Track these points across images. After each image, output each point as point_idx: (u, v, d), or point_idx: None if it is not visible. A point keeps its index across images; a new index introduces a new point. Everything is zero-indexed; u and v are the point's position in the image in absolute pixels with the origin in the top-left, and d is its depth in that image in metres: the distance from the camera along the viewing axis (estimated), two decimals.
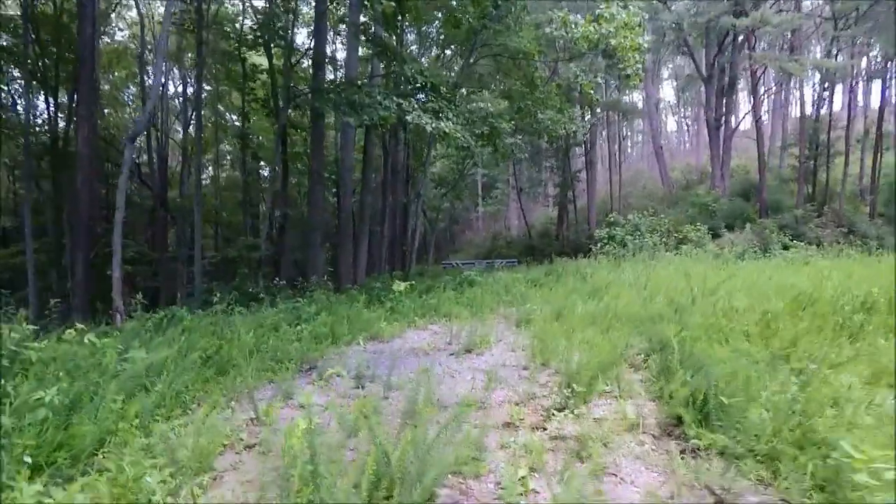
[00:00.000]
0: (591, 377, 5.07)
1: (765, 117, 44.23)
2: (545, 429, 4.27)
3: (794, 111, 39.33)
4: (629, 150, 49.63)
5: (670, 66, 49.30)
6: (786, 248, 17.29)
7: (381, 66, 12.34)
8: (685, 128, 54.70)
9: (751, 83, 20.10)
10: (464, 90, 10.93)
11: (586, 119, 19.05)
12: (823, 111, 20.81)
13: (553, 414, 4.50)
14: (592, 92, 11.99)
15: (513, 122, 11.78)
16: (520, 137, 12.41)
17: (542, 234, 29.60)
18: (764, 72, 22.74)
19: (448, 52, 20.29)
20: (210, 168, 33.37)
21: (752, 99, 19.88)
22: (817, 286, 7.69)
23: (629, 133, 47.90)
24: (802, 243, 17.36)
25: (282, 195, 21.18)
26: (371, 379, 5.65)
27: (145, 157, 30.05)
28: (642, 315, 7.61)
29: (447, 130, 9.44)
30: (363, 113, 8.87)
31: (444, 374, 5.84)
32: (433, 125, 9.30)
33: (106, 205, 28.62)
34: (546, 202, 35.23)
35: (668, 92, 58.74)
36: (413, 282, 11.36)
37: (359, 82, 9.76)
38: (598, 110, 23.26)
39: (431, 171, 27.18)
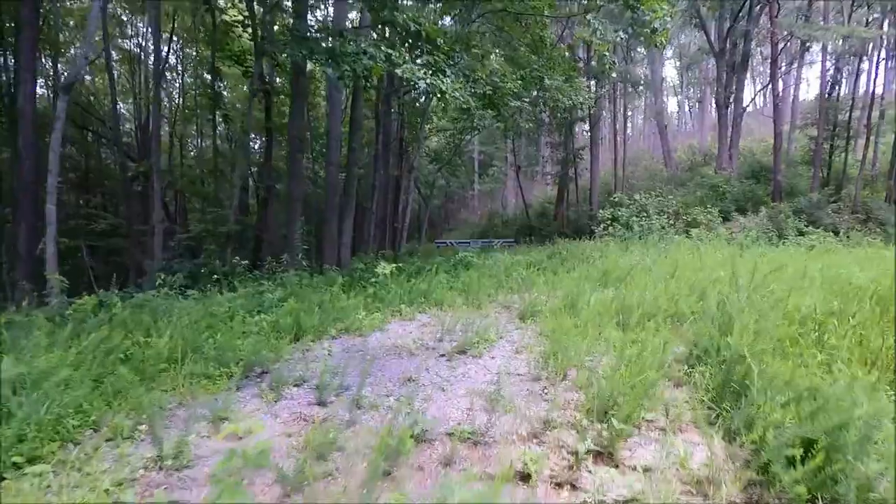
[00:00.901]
0: (626, 398, 3.76)
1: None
2: (574, 486, 2.95)
3: (803, 93, 37.81)
4: (629, 130, 47.93)
5: (674, 44, 47.42)
6: (801, 233, 16.03)
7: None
8: (687, 109, 53.03)
9: (771, 55, 18.55)
10: (464, 52, 9.37)
11: (593, 91, 17.51)
12: (843, 90, 19.39)
13: (582, 458, 3.18)
14: (608, 55, 10.48)
15: (519, 81, 10.28)
16: (526, 100, 10.86)
17: (540, 214, 28.19)
18: (787, 43, 21.16)
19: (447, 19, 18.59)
20: (198, 139, 31.59)
21: (770, 72, 18.35)
22: (880, 282, 6.37)
23: (631, 111, 46.14)
24: (818, 230, 16.09)
25: (267, 166, 19.63)
26: (338, 391, 4.31)
27: (129, 126, 28.31)
28: (674, 310, 6.30)
29: (444, 88, 7.97)
30: (344, 62, 7.37)
31: (431, 386, 4.52)
32: (427, 81, 7.81)
33: (85, 175, 26.92)
34: (545, 181, 33.74)
35: (669, 72, 56.87)
36: (401, 263, 10.01)
37: (342, 31, 8.22)
38: (607, 82, 21.65)
39: (427, 146, 25.61)
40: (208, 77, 23.98)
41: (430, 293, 8.13)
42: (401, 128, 23.64)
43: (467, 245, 22.95)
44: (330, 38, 7.87)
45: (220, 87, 14.29)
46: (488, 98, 9.85)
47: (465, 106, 8.73)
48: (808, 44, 30.35)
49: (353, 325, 6.43)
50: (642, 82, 24.69)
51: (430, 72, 8.06)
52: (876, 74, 19.20)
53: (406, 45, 8.56)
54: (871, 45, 19.13)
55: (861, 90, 19.93)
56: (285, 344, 5.51)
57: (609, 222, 18.04)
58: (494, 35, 11.55)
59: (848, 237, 15.28)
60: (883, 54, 19.53)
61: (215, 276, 8.13)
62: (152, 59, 14.84)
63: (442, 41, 8.73)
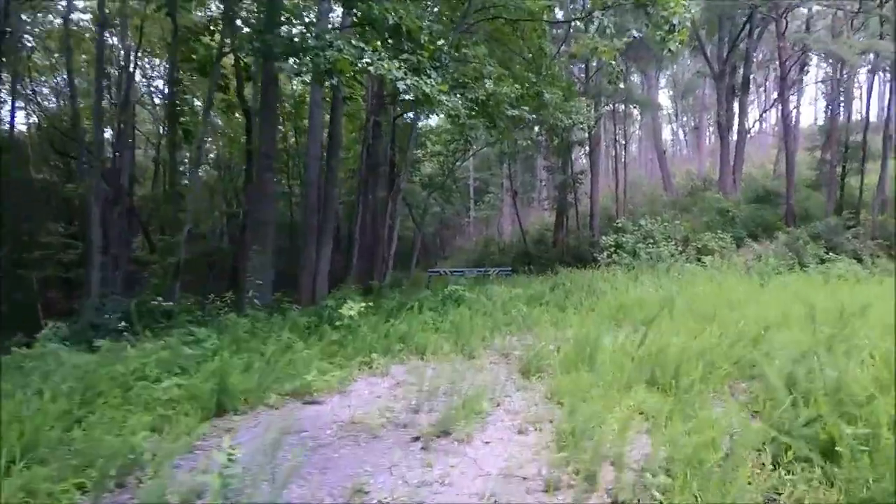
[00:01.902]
0: None
1: (774, 120, 41.79)
2: None
3: (807, 115, 36.87)
4: (624, 156, 46.97)
5: (668, 72, 46.88)
6: (822, 261, 14.52)
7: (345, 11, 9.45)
8: (682, 136, 52.23)
9: (780, 73, 17.43)
10: (452, 53, 7.99)
11: (593, 111, 16.24)
12: (852, 111, 18.23)
13: None
14: (614, 63, 9.15)
15: (516, 86, 8.87)
16: (525, 109, 9.45)
17: (538, 241, 26.70)
18: (798, 59, 20.05)
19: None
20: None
21: (779, 90, 17.19)
22: None
23: (628, 137, 45.14)
24: (840, 256, 14.60)
25: (250, 190, 18.16)
26: None
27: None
28: (730, 362, 4.74)
29: (427, 91, 6.53)
30: (306, 56, 5.96)
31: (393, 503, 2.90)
32: (408, 82, 6.38)
33: (66, 203, 25.40)
34: (542, 207, 32.37)
35: (663, 100, 56.31)
36: (382, 298, 8.43)
37: (308, 24, 6.85)
38: (609, 99, 20.35)
39: (419, 171, 24.29)
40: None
41: (411, 337, 6.53)
42: (391, 150, 22.37)
43: (462, 274, 21.35)
44: (292, 31, 6.48)
45: (179, 96, 12.96)
46: (481, 105, 8.46)
47: (453, 113, 7.31)
48: (806, 67, 29.49)
49: (304, 387, 4.81)
50: (648, 101, 23.45)
51: (411, 72, 6.65)
52: (891, 94, 18.00)
53: (384, 42, 7.18)
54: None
55: (874, 109, 18.79)
56: (196, 423, 3.88)
57: (613, 249, 16.55)
58: (488, 45, 10.21)
59: (875, 265, 13.80)
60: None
61: (163, 313, 6.60)
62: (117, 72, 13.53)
63: (426, 39, 7.35)
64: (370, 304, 7.28)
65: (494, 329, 7.29)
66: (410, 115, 12.77)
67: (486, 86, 8.04)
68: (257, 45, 6.48)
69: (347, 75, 7.26)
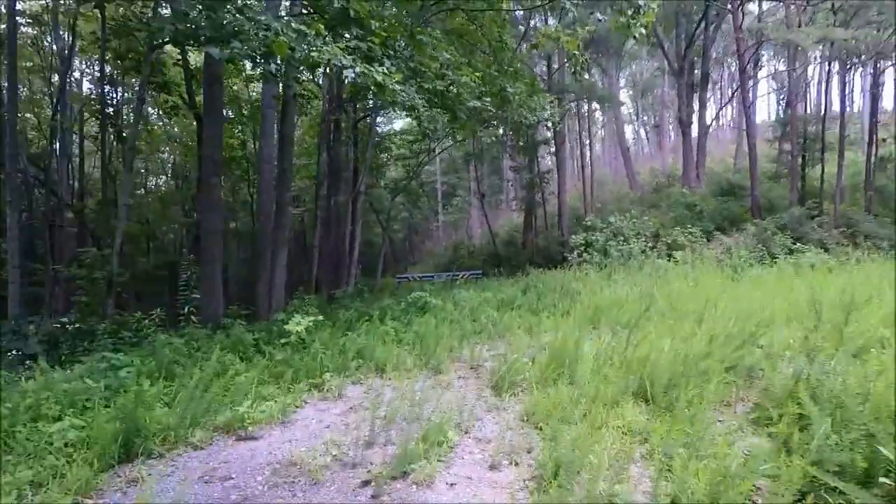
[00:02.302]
0: None
1: (730, 116, 42.51)
2: None
3: (760, 110, 37.51)
4: (589, 154, 47.12)
5: (627, 72, 47.36)
6: (790, 252, 14.42)
7: None
8: (644, 134, 52.87)
9: (739, 64, 17.36)
10: (406, 41, 7.31)
11: (555, 108, 15.81)
12: (809, 103, 18.38)
13: None
14: (577, 53, 8.64)
15: (477, 75, 8.27)
16: (488, 102, 8.88)
17: (507, 243, 26.25)
18: (756, 50, 20.11)
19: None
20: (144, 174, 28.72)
21: (739, 81, 17.10)
22: None
23: (592, 134, 45.27)
24: (807, 246, 14.53)
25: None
26: None
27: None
28: (726, 367, 4.20)
29: (379, 80, 5.85)
30: (235, 39, 5.21)
31: None
32: (357, 69, 5.68)
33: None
34: (510, 208, 31.99)
35: (623, 99, 56.94)
36: (331, 312, 7.66)
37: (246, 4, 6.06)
38: (572, 97, 20.01)
39: (385, 177, 23.51)
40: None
41: (370, 351, 5.81)
42: (354, 155, 21.57)
43: (431, 279, 20.71)
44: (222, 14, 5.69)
45: (114, 99, 11.89)
46: (440, 96, 7.81)
47: (408, 103, 6.63)
48: (759, 63, 29.95)
49: (238, 419, 4.04)
50: (612, 96, 23.22)
51: (360, 59, 5.96)
52: (844, 84, 18.22)
53: (331, 29, 6.47)
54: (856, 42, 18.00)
55: (832, 100, 18.99)
56: (91, 474, 3.09)
57: (583, 248, 16.17)
58: (447, 38, 9.60)
59: (846, 253, 13.76)
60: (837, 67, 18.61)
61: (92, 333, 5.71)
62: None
63: (377, 26, 6.67)
64: (322, 317, 6.52)
65: (463, 338, 6.63)
66: (370, 116, 12.02)
67: (445, 74, 7.42)
68: (180, 27, 5.68)
69: (297, 68, 6.50)
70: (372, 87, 6.18)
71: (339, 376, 5.21)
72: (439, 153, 22.20)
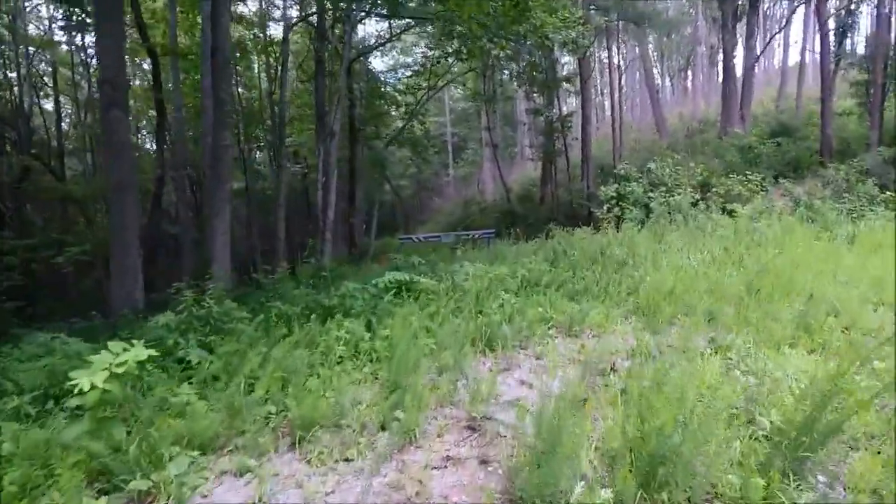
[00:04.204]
0: None
1: (778, 52, 37.72)
2: None
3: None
4: (619, 92, 42.80)
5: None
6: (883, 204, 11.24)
7: None
8: (668, 80, 48.15)
9: None
10: None
11: (583, 27, 12.49)
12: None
13: None
14: None
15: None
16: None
17: (522, 198, 23.31)
18: None
19: None
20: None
21: (783, 11, 13.43)
22: None
23: (623, 66, 40.84)
24: None
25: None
26: None
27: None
28: None
29: None
30: None
31: None
32: None
33: None
34: (526, 159, 28.70)
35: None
36: (264, 302, 4.95)
37: None
38: (604, 15, 16.26)
39: (391, 128, 20.39)
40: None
41: (297, 388, 3.18)
42: (348, 101, 18.50)
43: (438, 239, 18.00)
44: None
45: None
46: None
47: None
48: None
49: None
50: (655, 13, 19.38)
51: None
52: None
53: None
54: None
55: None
56: None
57: (615, 202, 13.20)
58: None
59: None
60: None
61: None
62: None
63: None
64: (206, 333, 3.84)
65: (461, 348, 3.93)
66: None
67: None
68: None
69: None
70: None
71: (243, 432, 2.58)
72: (444, 85, 18.85)
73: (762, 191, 12.35)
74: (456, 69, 16.62)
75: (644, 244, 7.91)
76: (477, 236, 16.87)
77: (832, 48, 15.08)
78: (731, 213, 10.87)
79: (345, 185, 20.52)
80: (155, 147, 19.73)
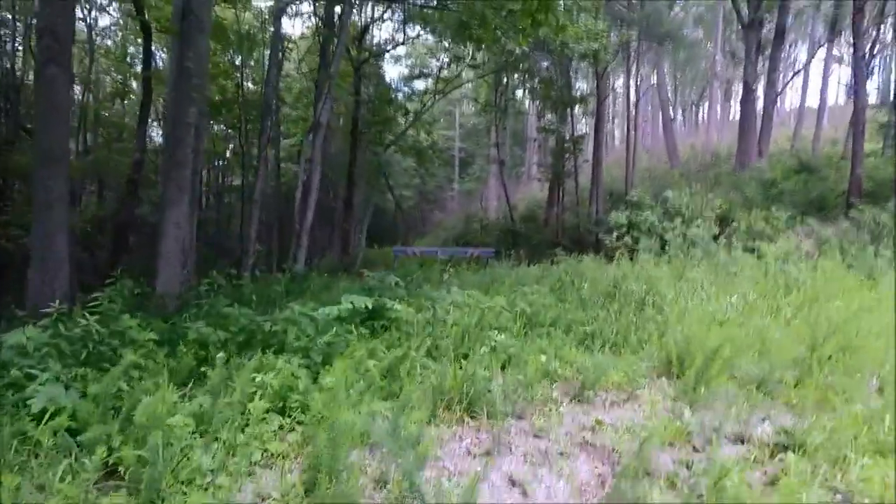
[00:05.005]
0: None
1: (790, 94, 36.99)
2: None
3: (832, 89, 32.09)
4: (635, 114, 42.01)
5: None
6: None
7: None
8: (681, 113, 47.38)
9: (853, 4, 12.64)
10: None
11: (605, 39, 11.49)
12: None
13: None
14: None
15: None
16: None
17: (527, 218, 22.23)
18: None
19: None
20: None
21: (853, 22, 12.45)
22: None
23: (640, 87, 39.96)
24: None
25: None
26: None
27: None
28: None
29: None
30: None
31: None
32: None
33: None
34: (533, 179, 27.60)
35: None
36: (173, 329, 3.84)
37: None
38: (626, 27, 15.16)
39: (394, 132, 19.37)
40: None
41: (188, 467, 2.04)
42: (355, 103, 17.54)
43: (434, 254, 16.89)
44: None
45: None
46: None
47: None
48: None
49: None
50: (678, 31, 18.43)
51: None
52: None
53: None
54: None
55: None
56: None
57: (625, 230, 12.09)
58: None
59: None
60: None
61: None
62: None
63: None
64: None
65: (434, 416, 2.78)
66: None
67: None
68: None
69: None
70: None
71: None
72: (451, 90, 17.84)
73: (787, 229, 11.22)
74: (467, 75, 15.65)
75: (661, 277, 6.77)
76: (476, 254, 15.79)
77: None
78: (755, 252, 9.74)
79: (344, 190, 19.54)
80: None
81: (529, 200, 26.92)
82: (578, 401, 3.28)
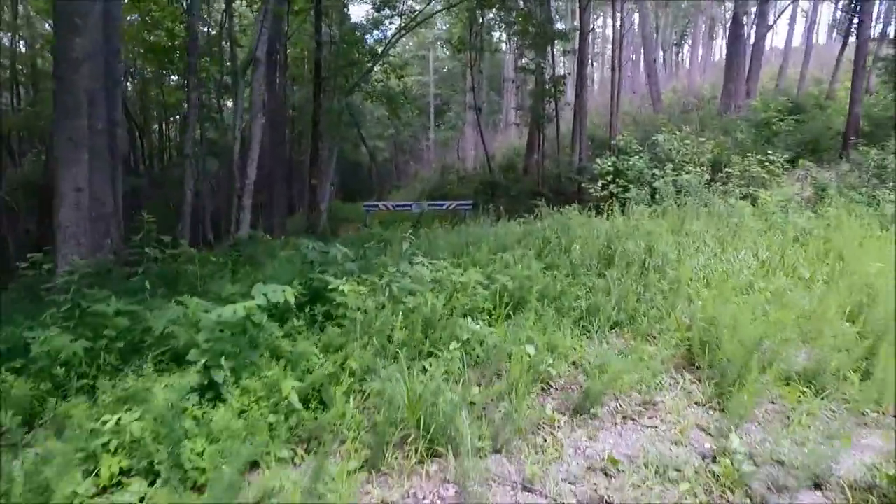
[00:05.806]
0: None
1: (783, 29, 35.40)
2: None
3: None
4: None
5: None
6: None
7: None
8: (661, 53, 45.55)
9: None
10: None
11: None
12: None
13: None
14: None
15: None
16: None
17: (505, 168, 21.09)
18: None
19: None
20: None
21: None
22: None
23: (625, 20, 38.14)
24: None
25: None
26: None
27: None
28: None
29: None
30: None
31: None
32: None
33: None
34: (512, 126, 26.23)
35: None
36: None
37: None
38: None
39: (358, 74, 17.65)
40: None
41: None
42: (316, 40, 15.78)
43: (408, 208, 15.87)
44: None
45: None
46: None
47: None
48: None
49: None
50: None
51: None
52: None
53: None
54: None
55: None
56: None
57: (611, 178, 11.13)
58: None
59: None
60: None
61: None
62: None
63: None
64: None
65: (371, 468, 1.89)
66: None
67: None
68: None
69: None
70: None
71: None
72: (417, 25, 16.23)
73: (783, 173, 10.41)
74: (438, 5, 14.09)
75: (663, 236, 5.90)
76: (453, 207, 14.79)
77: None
78: (751, 199, 8.93)
79: (308, 142, 18.03)
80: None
81: (507, 149, 25.61)
82: (580, 415, 2.42)
